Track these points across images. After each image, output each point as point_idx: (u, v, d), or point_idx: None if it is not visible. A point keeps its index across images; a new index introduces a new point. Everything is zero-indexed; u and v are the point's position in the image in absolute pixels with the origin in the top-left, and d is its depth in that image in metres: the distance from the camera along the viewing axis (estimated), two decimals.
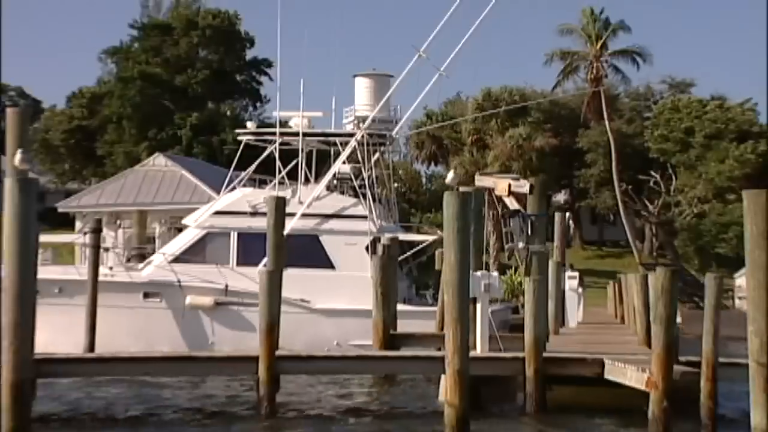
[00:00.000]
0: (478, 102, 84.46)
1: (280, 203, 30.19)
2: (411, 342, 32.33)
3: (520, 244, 25.77)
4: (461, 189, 27.15)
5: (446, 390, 16.86)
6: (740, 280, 56.56)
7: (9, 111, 25.48)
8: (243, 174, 41.82)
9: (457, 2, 38.18)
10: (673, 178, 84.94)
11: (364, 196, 39.34)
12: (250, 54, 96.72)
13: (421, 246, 40.78)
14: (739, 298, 58.40)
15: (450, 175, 29.19)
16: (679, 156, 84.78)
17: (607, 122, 78.54)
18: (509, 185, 26.29)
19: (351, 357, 26.50)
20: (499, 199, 26.65)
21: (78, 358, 25.66)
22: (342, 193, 40.86)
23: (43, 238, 43.17)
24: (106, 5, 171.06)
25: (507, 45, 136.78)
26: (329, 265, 38.08)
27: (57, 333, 35.02)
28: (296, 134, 40.48)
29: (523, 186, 26.23)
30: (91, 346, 33.21)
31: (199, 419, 23.86)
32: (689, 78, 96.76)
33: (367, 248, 37.93)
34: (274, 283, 25.06)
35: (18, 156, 22.28)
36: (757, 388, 17.09)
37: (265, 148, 41.93)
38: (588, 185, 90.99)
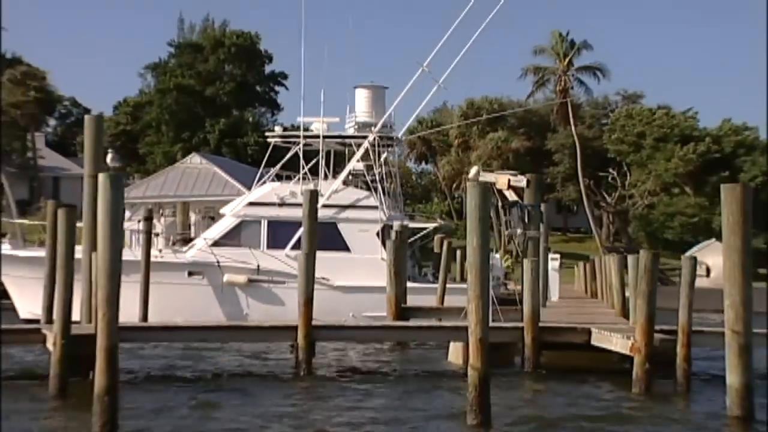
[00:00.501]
0: (463, 110, 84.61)
1: (314, 195, 30.09)
2: (419, 314, 32.28)
3: (518, 230, 25.67)
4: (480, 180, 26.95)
5: (471, 355, 16.58)
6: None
7: (87, 117, 25.30)
8: (271, 170, 41.63)
9: (456, 22, 37.99)
10: (628, 174, 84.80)
11: (375, 189, 39.30)
12: (268, 68, 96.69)
13: (424, 232, 40.91)
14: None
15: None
16: (633, 156, 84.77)
17: (573, 128, 78.62)
18: (509, 180, 26.19)
19: (376, 327, 26.40)
20: (500, 192, 26.47)
21: (151, 327, 25.54)
22: (356, 186, 40.79)
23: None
24: (145, 27, 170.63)
25: (487, 60, 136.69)
26: (346, 249, 38.06)
27: None
28: (317, 137, 40.49)
29: (521, 181, 26.14)
30: (144, 317, 33.10)
31: (249, 379, 23.66)
32: (639, 90, 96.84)
33: (378, 234, 38.00)
34: (309, 264, 24.92)
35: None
36: (732, 352, 17.03)
37: (289, 149, 41.79)
38: (555, 181, 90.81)
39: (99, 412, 15.62)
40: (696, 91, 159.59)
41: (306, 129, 41.39)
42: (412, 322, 29.06)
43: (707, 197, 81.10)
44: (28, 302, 38.75)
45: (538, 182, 27.37)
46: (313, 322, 23.93)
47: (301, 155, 40.28)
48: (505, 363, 24.75)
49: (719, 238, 72.33)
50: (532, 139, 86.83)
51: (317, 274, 36.94)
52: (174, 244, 43.03)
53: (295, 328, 23.82)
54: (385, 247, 37.96)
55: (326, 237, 38.03)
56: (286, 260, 37.77)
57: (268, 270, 37.23)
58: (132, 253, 38.67)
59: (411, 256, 41.55)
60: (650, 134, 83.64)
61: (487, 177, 27.41)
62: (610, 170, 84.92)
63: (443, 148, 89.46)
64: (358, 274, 37.17)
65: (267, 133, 44.32)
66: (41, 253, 39.56)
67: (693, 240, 78.31)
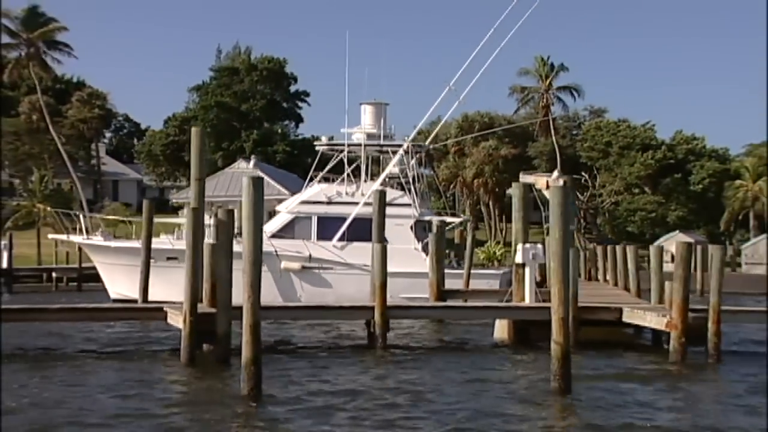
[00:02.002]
0: (459, 122, 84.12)
1: (383, 196, 29.74)
2: (455, 295, 31.99)
3: None
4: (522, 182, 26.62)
5: (554, 331, 16.22)
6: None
7: (193, 129, 24.86)
8: (319, 174, 41.18)
9: (481, 45, 37.41)
10: (597, 177, 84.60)
11: (408, 189, 38.96)
12: (293, 88, 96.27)
13: (452, 226, 40.67)
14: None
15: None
16: (601, 161, 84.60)
17: (554, 138, 78.44)
18: (547, 182, 25.84)
19: (439, 307, 26.03)
20: (539, 191, 26.14)
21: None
22: (392, 187, 40.41)
23: (162, 219, 43.48)
24: (187, 55, 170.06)
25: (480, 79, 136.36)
26: (384, 240, 37.64)
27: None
28: (359, 145, 40.10)
29: (559, 182, 25.74)
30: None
31: (335, 351, 23.44)
32: (603, 106, 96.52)
33: (411, 227, 37.65)
34: (383, 254, 24.56)
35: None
36: None
37: (332, 155, 41.39)
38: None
39: (247, 378, 15.40)
40: (652, 105, 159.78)
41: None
42: (470, 303, 28.56)
43: (663, 195, 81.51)
44: (117, 285, 38.53)
45: (573, 183, 27.06)
46: (391, 302, 23.56)
47: (345, 161, 39.94)
48: (546, 338, 24.40)
49: (674, 230, 72.63)
50: (516, 147, 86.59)
51: (360, 262, 37.13)
52: (237, 235, 42.61)
53: (371, 308, 23.48)
54: (417, 239, 37.78)
55: (368, 230, 37.74)
56: (333, 250, 37.49)
57: (318, 258, 36.89)
58: None
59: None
60: (616, 143, 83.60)
61: (527, 179, 27.08)
62: (582, 173, 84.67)
63: (441, 154, 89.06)
64: (395, 262, 36.22)
65: (315, 142, 43.78)
66: (128, 243, 39.38)
67: (652, 231, 78.59)
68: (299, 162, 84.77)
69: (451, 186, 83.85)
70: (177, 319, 20.74)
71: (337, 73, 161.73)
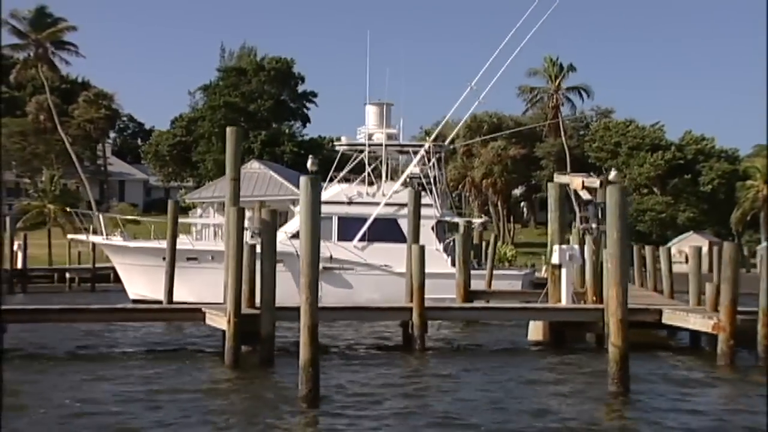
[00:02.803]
0: (468, 123, 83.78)
1: (417, 196, 29.48)
2: (480, 296, 31.76)
3: (593, 225, 25.08)
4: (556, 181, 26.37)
5: (611, 333, 15.97)
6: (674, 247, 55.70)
7: (229, 129, 24.65)
8: (339, 174, 40.88)
9: (503, 44, 37.24)
10: None
11: (430, 190, 38.64)
12: (300, 88, 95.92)
13: (473, 226, 40.31)
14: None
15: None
16: (610, 161, 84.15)
17: (564, 139, 78.20)
18: (582, 182, 25.53)
19: (477, 308, 25.73)
20: (575, 191, 25.85)
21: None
22: (413, 187, 40.10)
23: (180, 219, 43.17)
24: (188, 55, 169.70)
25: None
26: (405, 240, 37.31)
27: (211, 288, 34.49)
28: (380, 145, 39.75)
29: (595, 182, 25.52)
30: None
31: (372, 352, 23.23)
32: (610, 106, 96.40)
33: (432, 228, 37.36)
34: (421, 255, 24.26)
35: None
36: None
37: (351, 156, 41.06)
38: (541, 182, 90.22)
39: (305, 380, 15.12)
40: (662, 106, 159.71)
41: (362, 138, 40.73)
42: (496, 304, 28.35)
43: (672, 196, 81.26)
44: (136, 285, 38.28)
45: (609, 182, 26.74)
46: (428, 304, 23.27)
47: (366, 161, 39.60)
48: (581, 339, 24.20)
49: (683, 231, 72.36)
50: (525, 147, 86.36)
51: (381, 262, 36.86)
52: (252, 236, 42.34)
53: (408, 309, 23.22)
54: (438, 240, 37.52)
55: (388, 230, 37.49)
56: (353, 250, 37.24)
57: (338, 259, 36.60)
58: (213, 244, 38.28)
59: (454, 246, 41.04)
60: (625, 144, 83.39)
61: (561, 179, 26.73)
62: (591, 174, 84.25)
63: (448, 155, 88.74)
64: None
65: (335, 142, 43.60)
66: (147, 244, 39.14)
67: (660, 232, 78.35)
68: (306, 162, 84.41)
69: (459, 186, 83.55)
70: (218, 321, 20.52)
71: (340, 74, 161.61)
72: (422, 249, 24.64)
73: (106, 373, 18.25)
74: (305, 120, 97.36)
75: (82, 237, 42.44)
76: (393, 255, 35.99)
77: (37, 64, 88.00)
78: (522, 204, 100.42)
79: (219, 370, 19.11)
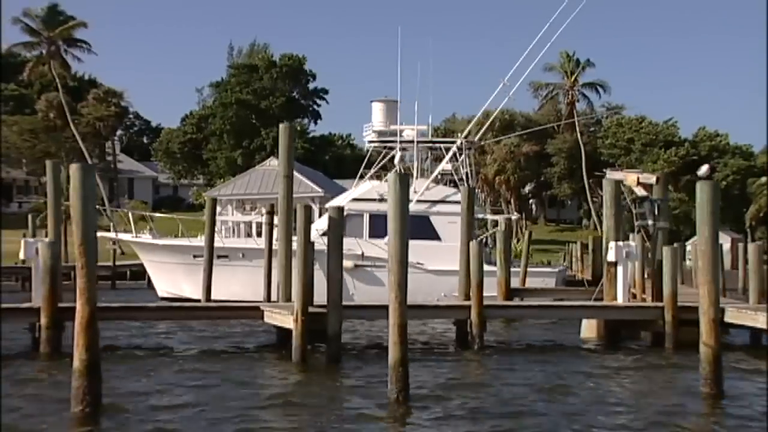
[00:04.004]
0: (480, 119, 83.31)
1: (471, 193, 29.18)
2: (523, 294, 31.45)
3: (649, 222, 24.73)
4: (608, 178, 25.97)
5: (703, 333, 15.57)
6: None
7: (281, 126, 24.21)
8: (369, 171, 40.57)
9: (535, 41, 36.86)
10: None
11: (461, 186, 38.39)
12: (312, 85, 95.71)
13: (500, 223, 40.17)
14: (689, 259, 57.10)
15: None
16: (623, 158, 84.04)
17: (579, 136, 77.93)
18: (638, 178, 25.17)
19: (534, 306, 25.17)
20: (629, 188, 25.48)
21: (359, 306, 24.18)
22: (444, 184, 39.83)
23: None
24: (196, 53, 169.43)
25: (498, 75, 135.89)
26: (437, 238, 37.02)
27: (243, 286, 34.13)
28: (412, 141, 39.43)
29: (651, 178, 25.16)
30: (268, 297, 31.91)
31: (431, 350, 22.76)
32: (621, 103, 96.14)
33: None
34: (480, 253, 23.85)
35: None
36: None
37: (381, 152, 40.79)
38: (552, 179, 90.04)
39: (395, 380, 14.73)
40: (673, 103, 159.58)
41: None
42: (561, 303, 27.69)
43: (686, 193, 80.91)
44: (165, 283, 37.94)
45: (665, 180, 26.43)
46: (486, 302, 22.87)
47: (397, 158, 39.28)
48: (635, 338, 23.85)
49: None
50: (537, 144, 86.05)
51: (413, 260, 36.37)
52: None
53: (463, 306, 22.86)
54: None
55: (420, 228, 37.04)
56: (385, 248, 36.77)
57: (370, 256, 36.22)
58: (255, 241, 37.88)
59: (486, 243, 40.76)
60: (638, 140, 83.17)
61: (614, 176, 26.35)
62: (604, 170, 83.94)
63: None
64: (448, 260, 35.93)
65: (366, 138, 43.23)
66: (177, 241, 38.75)
67: (675, 228, 77.92)
68: (318, 159, 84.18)
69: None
70: (280, 319, 20.19)
71: (345, 73, 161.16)
72: (480, 246, 24.26)
73: (170, 377, 17.78)
74: (316, 117, 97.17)
75: (110, 235, 42.03)
76: (425, 253, 35.65)
77: (50, 62, 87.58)
78: (531, 201, 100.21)
79: (287, 368, 18.71)
